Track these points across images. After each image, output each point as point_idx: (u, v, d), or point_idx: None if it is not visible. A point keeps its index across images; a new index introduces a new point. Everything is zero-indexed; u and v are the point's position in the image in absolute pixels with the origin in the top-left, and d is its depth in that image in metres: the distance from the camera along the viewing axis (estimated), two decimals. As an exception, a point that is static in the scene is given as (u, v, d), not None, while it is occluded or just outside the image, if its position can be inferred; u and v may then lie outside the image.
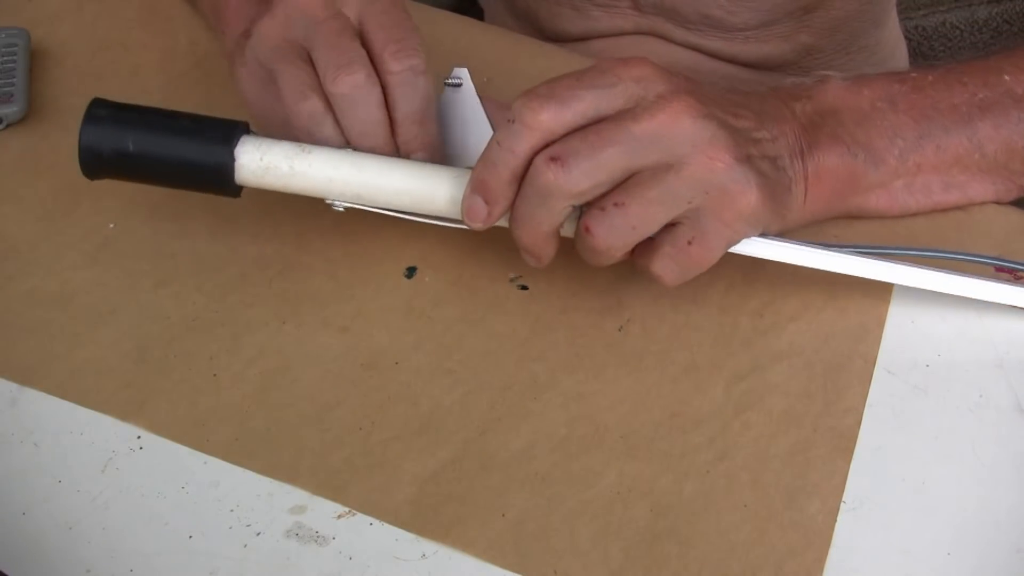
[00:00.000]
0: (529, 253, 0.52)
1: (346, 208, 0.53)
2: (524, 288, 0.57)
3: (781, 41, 0.76)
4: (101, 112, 0.53)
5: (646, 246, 0.51)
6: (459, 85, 0.55)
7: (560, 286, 0.57)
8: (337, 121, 0.52)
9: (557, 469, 0.50)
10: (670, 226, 0.50)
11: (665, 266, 0.51)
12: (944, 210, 0.59)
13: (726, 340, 0.55)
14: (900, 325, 0.56)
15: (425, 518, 0.48)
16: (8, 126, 0.65)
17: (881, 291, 0.57)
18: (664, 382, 0.53)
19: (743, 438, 0.51)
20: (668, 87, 0.48)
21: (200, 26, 0.72)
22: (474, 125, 0.54)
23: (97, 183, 0.58)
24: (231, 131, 0.52)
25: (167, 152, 0.52)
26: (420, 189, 0.52)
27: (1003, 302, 0.55)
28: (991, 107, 0.55)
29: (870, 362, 0.54)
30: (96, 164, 0.53)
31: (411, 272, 0.58)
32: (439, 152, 0.53)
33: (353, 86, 0.51)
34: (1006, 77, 0.56)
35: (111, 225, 0.60)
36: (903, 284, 0.55)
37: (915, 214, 0.58)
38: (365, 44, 0.52)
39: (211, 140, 0.52)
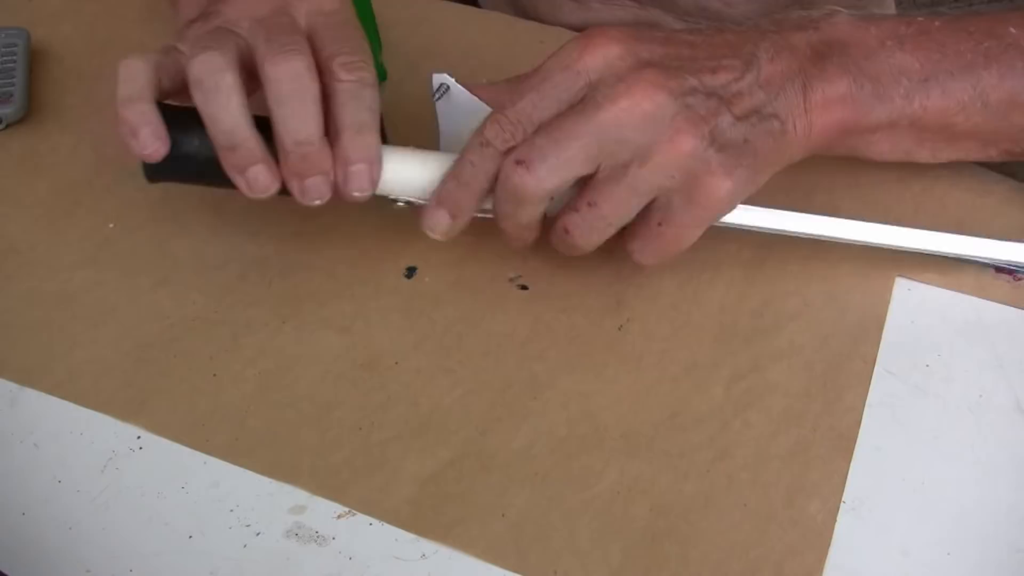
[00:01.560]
0: (513, 241, 0.54)
1: (406, 203, 0.54)
2: (524, 288, 0.57)
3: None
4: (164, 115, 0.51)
5: (625, 228, 0.52)
6: (447, 90, 0.55)
7: (560, 286, 0.57)
8: (238, 86, 0.49)
9: (557, 469, 0.50)
10: (646, 208, 0.51)
11: (640, 247, 0.52)
12: (942, 163, 0.59)
13: (726, 339, 0.55)
14: (900, 325, 0.56)
15: (425, 518, 0.48)
16: (8, 126, 0.65)
17: (881, 291, 0.57)
18: (664, 381, 0.53)
19: (743, 437, 0.51)
20: (629, 64, 0.49)
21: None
22: (474, 116, 0.53)
23: (97, 182, 0.59)
24: None
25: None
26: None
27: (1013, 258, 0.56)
28: (997, 57, 0.54)
29: (870, 362, 0.54)
30: (159, 167, 0.52)
31: (411, 272, 0.58)
32: (378, 167, 0.51)
33: (290, 72, 0.49)
34: (1012, 30, 0.55)
35: (111, 225, 0.60)
36: (907, 248, 0.56)
37: (914, 163, 0.58)
38: (313, 53, 0.51)
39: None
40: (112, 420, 0.52)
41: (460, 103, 0.55)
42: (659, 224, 0.51)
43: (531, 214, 0.51)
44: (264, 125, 0.50)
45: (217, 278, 0.58)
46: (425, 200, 0.53)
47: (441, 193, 0.52)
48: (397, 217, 0.60)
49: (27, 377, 0.53)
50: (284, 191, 0.52)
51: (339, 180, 0.51)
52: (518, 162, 0.49)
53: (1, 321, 0.56)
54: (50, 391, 0.53)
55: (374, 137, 0.51)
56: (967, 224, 0.60)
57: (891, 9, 0.86)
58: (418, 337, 0.55)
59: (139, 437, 0.51)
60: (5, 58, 0.67)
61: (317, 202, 0.51)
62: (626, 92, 0.48)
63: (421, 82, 0.56)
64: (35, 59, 0.69)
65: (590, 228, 0.51)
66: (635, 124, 0.48)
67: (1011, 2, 0.68)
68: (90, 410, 0.52)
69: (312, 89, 0.49)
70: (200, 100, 0.50)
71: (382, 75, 0.66)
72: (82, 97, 0.68)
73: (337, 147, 0.51)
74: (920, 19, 0.55)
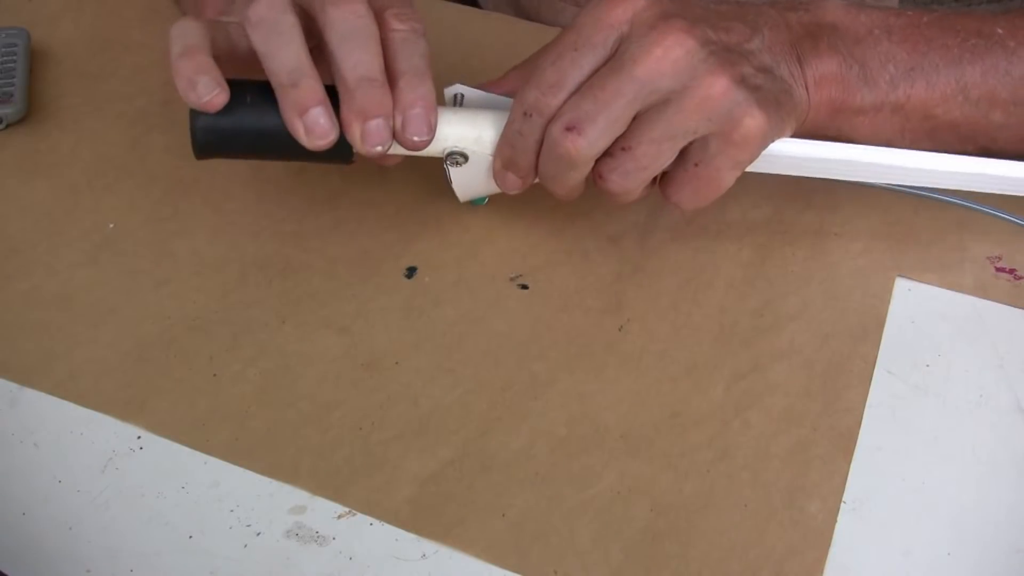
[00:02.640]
0: (563, 198, 0.55)
1: (454, 163, 0.54)
2: (524, 288, 0.57)
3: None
4: None
5: (663, 173, 0.53)
6: (463, 99, 0.55)
7: (560, 286, 0.57)
8: (299, 26, 0.50)
9: (557, 469, 0.50)
10: (682, 152, 0.51)
11: (679, 191, 0.53)
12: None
13: (726, 339, 0.55)
14: (900, 325, 0.56)
15: (425, 518, 0.48)
16: (8, 126, 0.65)
17: (881, 291, 0.57)
18: (664, 381, 0.53)
19: (743, 437, 0.51)
20: (656, 13, 0.49)
21: (200, 26, 0.72)
22: (495, 114, 0.54)
23: (97, 182, 0.59)
24: None
25: (277, 123, 0.51)
26: None
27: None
28: (982, 55, 0.55)
29: (870, 362, 0.54)
30: (213, 143, 0.52)
31: (411, 272, 0.58)
32: (435, 113, 0.51)
33: (352, 12, 0.49)
34: (999, 30, 0.56)
35: (111, 225, 0.60)
36: (942, 170, 0.56)
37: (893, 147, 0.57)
38: None
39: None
40: (112, 420, 0.52)
41: (476, 104, 0.55)
42: (696, 166, 0.51)
43: (581, 174, 0.52)
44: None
45: (217, 278, 0.58)
46: (477, 151, 0.53)
47: (502, 159, 0.53)
48: (397, 217, 0.60)
49: (27, 377, 0.53)
50: (341, 156, 0.51)
51: (397, 126, 0.50)
52: (568, 128, 0.49)
53: (1, 321, 0.56)
54: (50, 391, 0.53)
55: (430, 83, 0.51)
56: (966, 223, 0.60)
57: (892, 3, 0.86)
58: (418, 337, 0.55)
59: (139, 437, 0.51)
60: (5, 58, 0.67)
61: (379, 148, 0.50)
62: (659, 41, 0.49)
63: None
64: (35, 59, 0.69)
65: (624, 173, 0.51)
66: (670, 71, 0.49)
67: (1010, 2, 0.68)
68: (90, 410, 0.52)
69: (373, 29, 0.50)
70: (261, 39, 0.49)
71: None
72: (82, 97, 0.68)
73: (396, 91, 0.50)
74: (910, 13, 0.56)
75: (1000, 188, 0.57)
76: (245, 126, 0.51)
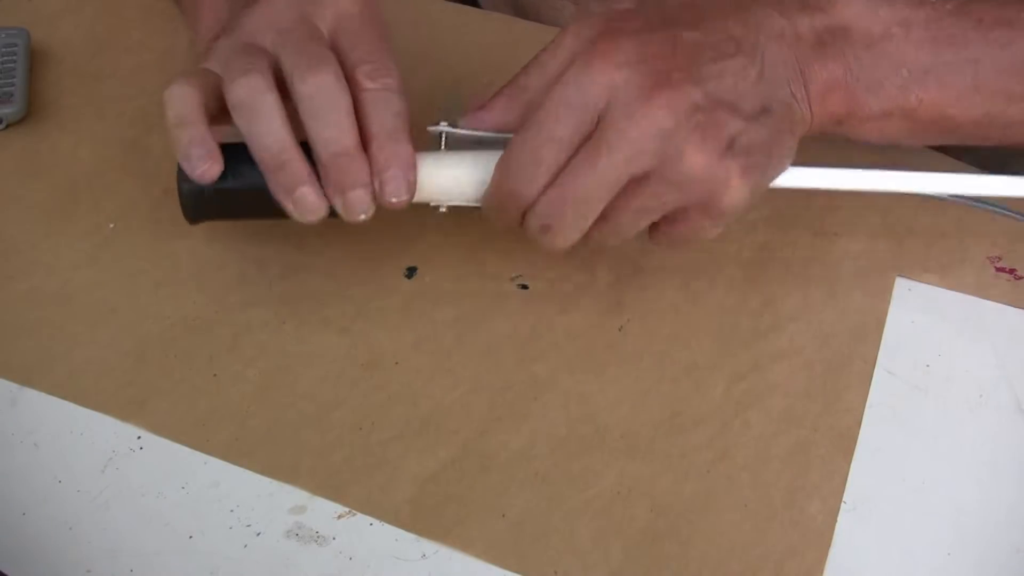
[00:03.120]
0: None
1: (449, 209, 0.53)
2: (524, 288, 0.57)
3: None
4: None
5: None
6: (446, 137, 0.53)
7: (560, 286, 0.57)
8: (280, 105, 0.49)
9: (557, 469, 0.50)
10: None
11: (658, 239, 0.52)
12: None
13: (726, 340, 0.55)
14: (900, 325, 0.56)
15: (425, 518, 0.48)
16: (8, 126, 0.65)
17: (881, 291, 0.57)
18: (664, 382, 0.53)
19: (743, 438, 0.51)
20: (636, 87, 0.47)
21: (200, 26, 0.72)
22: (478, 161, 0.52)
23: (97, 182, 0.59)
24: None
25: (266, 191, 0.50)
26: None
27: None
28: (1003, 47, 0.53)
29: (870, 362, 0.54)
30: (201, 205, 0.52)
31: (411, 272, 0.58)
32: (413, 172, 0.50)
33: (321, 86, 0.49)
34: None
35: (111, 225, 0.60)
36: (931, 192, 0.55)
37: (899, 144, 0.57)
38: (339, 61, 0.50)
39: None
40: (112, 420, 0.52)
41: (465, 147, 0.54)
42: (676, 223, 0.51)
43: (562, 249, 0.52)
44: (305, 150, 0.50)
45: (217, 278, 0.58)
46: (467, 203, 0.52)
47: (488, 218, 0.52)
48: (398, 217, 0.60)
49: (27, 377, 0.53)
50: (333, 214, 0.51)
51: (376, 188, 0.50)
52: (543, 227, 0.49)
53: (1, 321, 0.56)
54: (50, 391, 0.53)
55: (405, 142, 0.50)
56: (966, 223, 0.60)
57: None
58: (418, 337, 0.55)
59: (139, 437, 0.51)
60: (5, 58, 0.67)
61: (362, 217, 0.50)
62: (639, 122, 0.47)
63: (421, 82, 0.56)
64: (35, 59, 0.69)
65: (603, 236, 0.51)
66: (651, 150, 0.48)
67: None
68: (90, 410, 0.52)
69: (343, 100, 0.49)
70: (244, 123, 0.49)
71: None
72: (82, 97, 0.68)
73: (371, 155, 0.50)
74: (934, 2, 0.54)
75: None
76: (235, 188, 0.51)
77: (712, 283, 0.57)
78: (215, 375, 0.53)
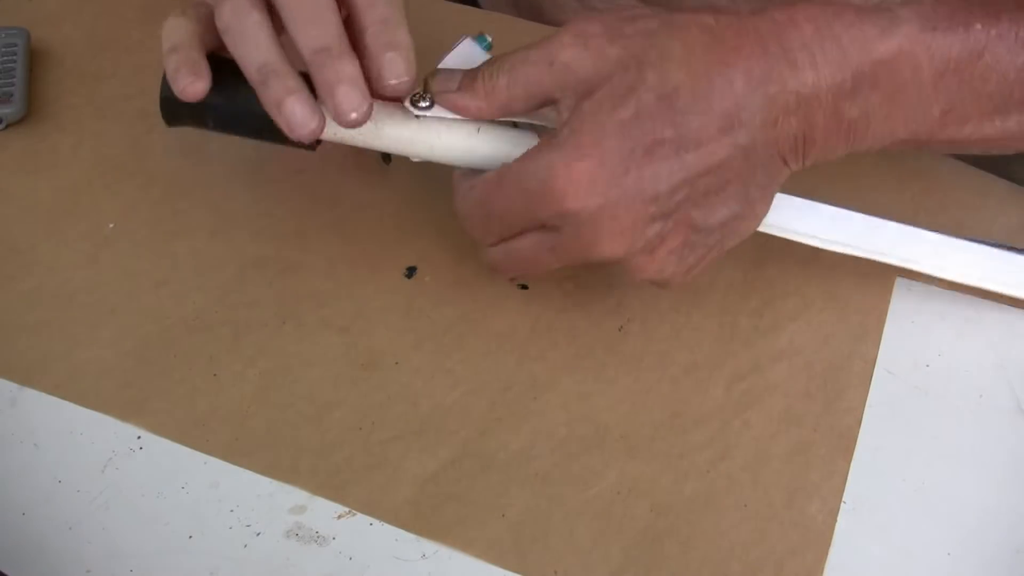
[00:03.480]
0: None
1: (421, 160, 0.53)
2: (524, 288, 0.57)
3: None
4: None
5: None
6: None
7: (560, 286, 0.57)
8: (266, 23, 0.49)
9: (557, 469, 0.50)
10: None
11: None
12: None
13: (726, 340, 0.55)
14: (900, 325, 0.56)
15: (425, 518, 0.48)
16: (8, 126, 0.65)
17: (881, 291, 0.57)
18: (664, 382, 0.53)
19: (743, 438, 0.51)
20: (598, 205, 0.47)
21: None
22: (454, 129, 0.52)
23: (97, 182, 0.58)
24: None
25: (245, 104, 0.51)
26: (489, 149, 0.51)
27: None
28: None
29: (870, 362, 0.54)
30: (175, 112, 0.53)
31: (411, 272, 0.58)
32: (412, 54, 0.49)
33: None
34: None
35: (111, 225, 0.60)
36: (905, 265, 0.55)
37: (914, 164, 0.57)
38: None
39: None
40: (112, 420, 0.52)
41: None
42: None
43: None
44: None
45: (217, 278, 0.58)
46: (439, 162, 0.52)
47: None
48: (398, 217, 0.60)
49: (27, 377, 0.53)
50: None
51: (373, 76, 0.49)
52: (491, 265, 0.52)
53: (1, 321, 0.56)
54: (50, 391, 0.53)
55: (403, 29, 0.49)
56: (967, 225, 0.60)
57: None
58: (418, 337, 0.55)
59: (139, 437, 0.51)
60: (5, 58, 0.67)
61: (354, 115, 0.48)
62: (596, 241, 0.48)
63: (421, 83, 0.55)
64: (35, 59, 0.69)
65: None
66: (600, 258, 0.49)
67: None
68: (90, 410, 0.52)
69: None
70: (231, 44, 0.49)
71: None
72: (82, 97, 0.68)
73: (365, 42, 0.49)
74: (978, 27, 0.48)
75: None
76: (209, 101, 0.51)
77: (712, 283, 0.57)
78: (215, 375, 0.53)
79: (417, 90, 0.51)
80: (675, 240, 0.49)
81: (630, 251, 0.49)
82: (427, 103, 0.50)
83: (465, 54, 0.52)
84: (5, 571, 0.45)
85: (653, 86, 0.46)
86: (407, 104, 0.51)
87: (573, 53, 0.47)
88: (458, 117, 0.51)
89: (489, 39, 0.52)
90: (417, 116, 0.51)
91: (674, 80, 0.46)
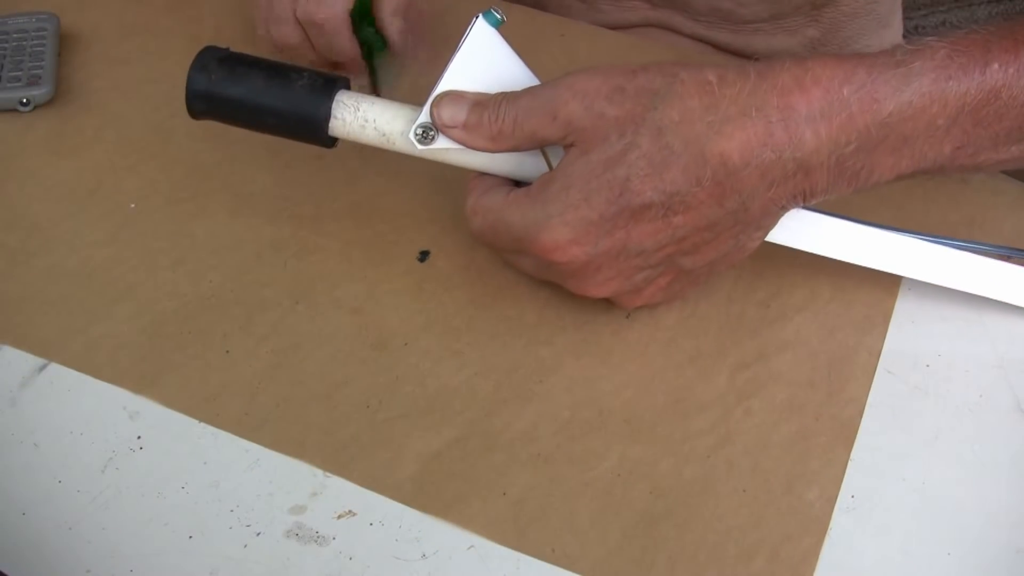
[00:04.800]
0: None
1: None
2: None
3: (788, 35, 0.77)
4: (209, 60, 0.54)
5: None
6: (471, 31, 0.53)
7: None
8: None
9: (559, 451, 0.50)
10: None
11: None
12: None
13: (732, 329, 0.55)
14: (901, 325, 0.56)
15: (427, 494, 0.49)
16: (35, 108, 0.66)
17: (888, 284, 0.57)
18: (669, 368, 0.54)
19: (745, 425, 0.51)
20: (583, 263, 0.50)
21: (226, 12, 0.73)
22: (497, 73, 0.53)
23: (120, 164, 0.59)
24: (331, 85, 0.53)
25: (268, 101, 0.53)
26: (503, 158, 0.53)
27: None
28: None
29: (874, 354, 0.54)
30: (201, 106, 0.54)
31: (424, 256, 0.59)
32: (427, 36, 0.52)
33: None
34: None
35: (132, 205, 0.61)
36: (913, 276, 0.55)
37: None
38: None
39: (311, 92, 0.53)
40: (112, 420, 0.52)
41: (489, 53, 0.53)
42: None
43: None
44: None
45: (233, 258, 0.59)
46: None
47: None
48: (413, 202, 0.61)
49: (46, 350, 0.54)
50: (310, 137, 0.54)
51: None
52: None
53: (23, 296, 0.57)
54: (67, 364, 0.54)
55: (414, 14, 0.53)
56: (978, 223, 0.60)
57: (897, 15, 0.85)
58: (428, 319, 0.56)
59: (139, 437, 0.51)
60: (35, 42, 0.68)
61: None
62: (582, 286, 0.52)
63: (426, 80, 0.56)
64: (64, 44, 0.71)
65: None
66: (589, 296, 0.53)
67: (1011, 2, 0.65)
68: (91, 408, 0.52)
69: None
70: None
71: (380, 45, 0.66)
72: (109, 81, 0.69)
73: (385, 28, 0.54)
74: (996, 67, 0.47)
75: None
76: (235, 97, 0.53)
77: (721, 274, 0.58)
78: (228, 352, 0.54)
79: (424, 120, 0.52)
80: (663, 280, 0.52)
81: (617, 293, 0.52)
82: (434, 132, 0.52)
83: (478, 44, 0.53)
84: (5, 571, 0.45)
85: (646, 152, 0.47)
86: (411, 138, 0.52)
87: (573, 109, 0.49)
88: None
89: (498, 15, 0.52)
90: (420, 150, 0.53)
91: (668, 148, 0.47)
